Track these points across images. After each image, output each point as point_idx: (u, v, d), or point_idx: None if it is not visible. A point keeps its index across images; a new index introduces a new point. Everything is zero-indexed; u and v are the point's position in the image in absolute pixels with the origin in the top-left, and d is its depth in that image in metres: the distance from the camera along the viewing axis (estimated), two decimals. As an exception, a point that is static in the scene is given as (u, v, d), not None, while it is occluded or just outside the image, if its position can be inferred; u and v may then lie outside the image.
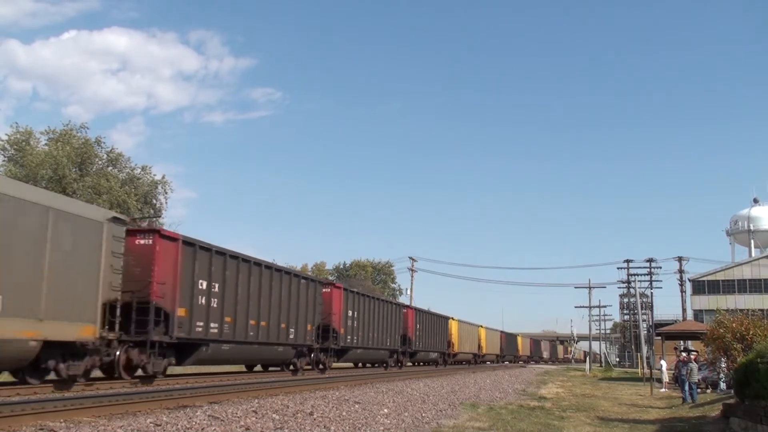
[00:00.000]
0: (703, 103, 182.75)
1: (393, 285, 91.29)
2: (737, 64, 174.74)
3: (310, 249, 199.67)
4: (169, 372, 18.15)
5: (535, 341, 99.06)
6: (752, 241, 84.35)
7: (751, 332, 22.55)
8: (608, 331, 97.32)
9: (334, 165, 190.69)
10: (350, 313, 27.95)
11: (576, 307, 73.79)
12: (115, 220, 14.52)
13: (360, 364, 34.56)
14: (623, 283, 71.31)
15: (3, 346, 11.67)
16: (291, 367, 24.09)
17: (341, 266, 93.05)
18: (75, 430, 8.00)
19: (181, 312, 16.51)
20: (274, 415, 10.49)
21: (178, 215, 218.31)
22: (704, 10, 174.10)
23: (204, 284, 17.54)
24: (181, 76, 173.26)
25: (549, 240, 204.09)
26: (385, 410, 12.91)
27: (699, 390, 22.86)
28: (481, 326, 58.76)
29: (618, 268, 70.84)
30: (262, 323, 20.50)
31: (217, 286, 18.08)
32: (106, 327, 14.15)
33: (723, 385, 25.24)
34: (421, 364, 41.91)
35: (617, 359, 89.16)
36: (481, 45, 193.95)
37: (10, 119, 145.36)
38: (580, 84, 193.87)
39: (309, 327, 23.99)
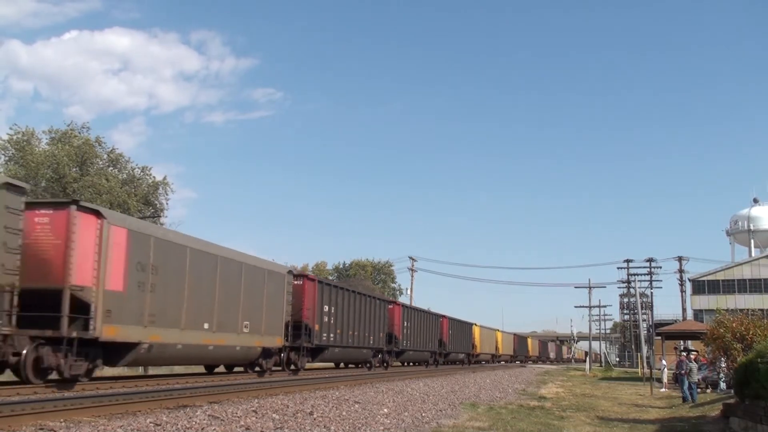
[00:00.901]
0: (703, 102, 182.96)
1: (393, 285, 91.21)
2: (737, 64, 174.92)
3: (311, 249, 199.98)
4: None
5: (543, 342, 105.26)
6: (752, 241, 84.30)
7: (751, 332, 22.55)
8: (608, 331, 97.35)
9: (335, 165, 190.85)
10: (405, 323, 35.63)
11: (576, 306, 73.82)
12: (289, 272, 23.33)
13: (407, 363, 40.37)
14: (623, 282, 71.46)
15: (249, 350, 20.57)
16: (368, 364, 31.60)
17: (341, 266, 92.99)
18: (75, 429, 8.00)
19: (316, 327, 24.73)
20: (274, 415, 10.48)
21: (179, 215, 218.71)
22: (704, 10, 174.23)
23: (327, 308, 25.75)
24: (182, 76, 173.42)
25: (549, 240, 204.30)
26: (385, 410, 12.90)
27: (699, 390, 22.85)
28: (498, 330, 66.79)
29: (618, 268, 71.03)
30: (355, 332, 28.60)
31: (333, 308, 26.28)
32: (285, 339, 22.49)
33: (723, 385, 25.23)
34: (452, 363, 48.02)
35: (617, 359, 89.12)
36: (481, 45, 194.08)
37: (12, 119, 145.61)
38: (579, 84, 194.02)
39: (381, 334, 31.92)
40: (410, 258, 69.38)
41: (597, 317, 78.40)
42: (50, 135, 38.50)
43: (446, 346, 44.34)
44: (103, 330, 13.99)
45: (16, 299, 12.55)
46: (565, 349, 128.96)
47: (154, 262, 15.73)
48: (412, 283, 68.90)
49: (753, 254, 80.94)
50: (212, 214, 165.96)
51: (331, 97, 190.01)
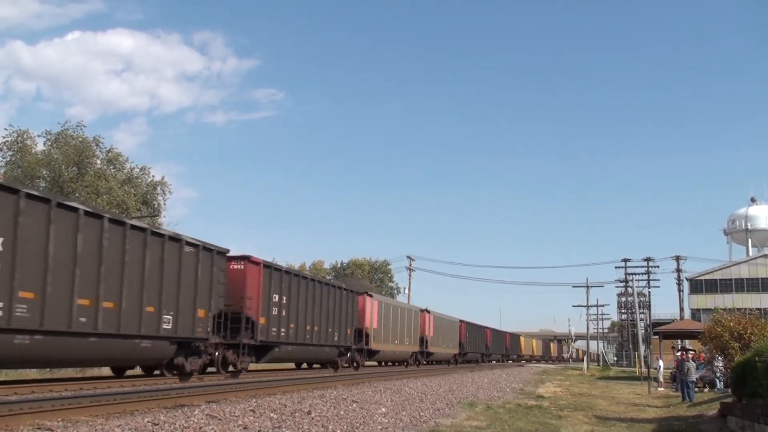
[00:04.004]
0: (701, 101, 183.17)
1: (390, 284, 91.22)
2: (736, 62, 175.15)
3: (309, 248, 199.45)
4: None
5: (559, 345, 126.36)
6: (749, 240, 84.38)
7: (748, 331, 22.61)
8: (606, 331, 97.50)
9: (334, 164, 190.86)
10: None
11: (574, 306, 73.89)
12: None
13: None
14: (621, 282, 71.39)
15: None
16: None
17: (338, 265, 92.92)
18: (73, 429, 8.00)
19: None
20: (272, 414, 10.47)
21: (179, 214, 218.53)
22: (702, 8, 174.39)
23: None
24: (184, 76, 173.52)
25: (547, 239, 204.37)
26: (383, 409, 12.90)
27: (696, 389, 22.87)
28: (533, 338, 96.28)
29: (616, 267, 70.94)
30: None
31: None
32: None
33: (720, 384, 25.24)
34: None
35: (615, 358, 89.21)
36: (481, 45, 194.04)
37: (14, 120, 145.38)
38: (579, 83, 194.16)
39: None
40: (408, 257, 69.31)
41: (595, 316, 78.57)
42: (46, 137, 38.47)
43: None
44: (372, 344, 30.14)
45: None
46: (563, 348, 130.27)
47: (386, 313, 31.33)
48: (409, 282, 68.84)
49: (750, 253, 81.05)
50: (212, 214, 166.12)
51: (332, 96, 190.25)
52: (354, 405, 12.92)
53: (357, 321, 29.63)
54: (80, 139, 38.70)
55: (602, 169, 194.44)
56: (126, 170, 41.13)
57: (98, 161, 39.65)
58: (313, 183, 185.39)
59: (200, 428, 8.81)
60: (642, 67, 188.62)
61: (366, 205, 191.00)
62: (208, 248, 17.88)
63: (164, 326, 15.85)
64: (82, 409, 9.40)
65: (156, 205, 41.72)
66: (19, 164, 36.75)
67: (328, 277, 70.70)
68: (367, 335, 30.82)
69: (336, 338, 26.97)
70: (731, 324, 23.72)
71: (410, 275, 68.70)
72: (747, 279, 70.48)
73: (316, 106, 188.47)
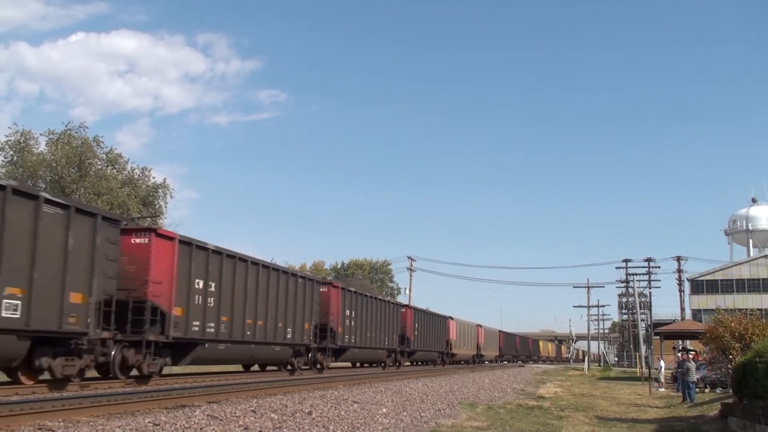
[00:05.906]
0: (702, 102, 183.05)
1: (391, 284, 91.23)
2: (737, 63, 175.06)
3: (310, 248, 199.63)
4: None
5: (568, 347, 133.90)
6: (750, 241, 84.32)
7: (749, 331, 22.55)
8: (607, 331, 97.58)
9: (334, 165, 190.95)
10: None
11: (574, 306, 74.08)
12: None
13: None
14: (622, 282, 71.22)
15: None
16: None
17: (339, 266, 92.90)
18: (73, 429, 7.99)
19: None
20: (272, 415, 10.47)
21: (181, 215, 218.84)
22: (703, 8, 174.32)
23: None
24: (187, 78, 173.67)
25: (547, 239, 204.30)
26: (384, 410, 12.89)
27: (697, 389, 22.85)
28: (549, 342, 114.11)
29: (617, 268, 70.57)
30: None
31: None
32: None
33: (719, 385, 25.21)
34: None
35: (616, 359, 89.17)
36: (481, 44, 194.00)
37: (17, 121, 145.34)
38: (579, 82, 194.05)
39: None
40: (408, 258, 69.27)
41: (596, 317, 78.65)
42: (49, 137, 38.49)
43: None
44: (453, 350, 43.83)
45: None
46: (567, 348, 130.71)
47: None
48: (410, 282, 68.89)
49: (751, 254, 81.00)
50: (213, 214, 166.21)
51: (334, 97, 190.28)
52: (355, 405, 12.91)
53: (445, 335, 43.87)
54: (81, 140, 38.74)
55: (602, 170, 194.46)
56: (126, 171, 41.14)
57: (99, 162, 39.66)
58: (314, 183, 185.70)
59: (201, 429, 8.81)
60: (643, 67, 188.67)
61: (366, 205, 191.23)
62: (314, 279, 26.41)
63: None
64: (83, 410, 9.40)
65: (157, 207, 41.70)
66: (21, 164, 36.78)
67: (329, 278, 70.68)
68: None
69: (386, 342, 35.27)
70: (732, 324, 23.65)
71: (411, 276, 68.78)
72: (748, 279, 70.42)
73: (318, 107, 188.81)
